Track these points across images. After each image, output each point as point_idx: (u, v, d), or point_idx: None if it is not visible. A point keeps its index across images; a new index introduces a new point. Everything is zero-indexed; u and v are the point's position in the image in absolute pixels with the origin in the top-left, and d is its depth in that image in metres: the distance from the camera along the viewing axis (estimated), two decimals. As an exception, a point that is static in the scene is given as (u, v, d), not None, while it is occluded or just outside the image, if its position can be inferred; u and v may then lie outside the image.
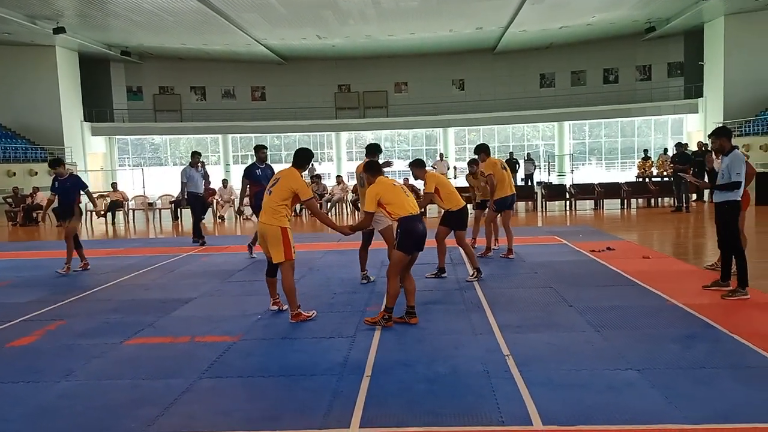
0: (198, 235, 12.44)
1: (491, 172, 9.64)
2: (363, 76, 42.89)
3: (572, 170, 36.53)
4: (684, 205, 16.24)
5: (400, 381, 4.57)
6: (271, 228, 6.09)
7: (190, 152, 13.18)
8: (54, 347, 5.73)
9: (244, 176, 10.26)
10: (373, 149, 8.11)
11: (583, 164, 44.82)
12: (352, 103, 43.34)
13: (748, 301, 6.55)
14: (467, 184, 11.00)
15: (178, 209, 18.54)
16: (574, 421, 3.78)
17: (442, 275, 8.38)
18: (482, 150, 9.94)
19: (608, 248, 10.23)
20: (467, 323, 6.08)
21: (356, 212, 17.87)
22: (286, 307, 6.44)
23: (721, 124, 23.13)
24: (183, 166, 12.72)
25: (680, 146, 17.88)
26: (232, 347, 5.55)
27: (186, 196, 12.32)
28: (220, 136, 43.84)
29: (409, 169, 8.55)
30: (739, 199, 6.82)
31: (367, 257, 8.12)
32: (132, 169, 42.47)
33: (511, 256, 9.74)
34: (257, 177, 9.88)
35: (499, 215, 9.99)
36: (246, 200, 11.03)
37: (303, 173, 6.37)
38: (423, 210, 7.95)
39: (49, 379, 4.86)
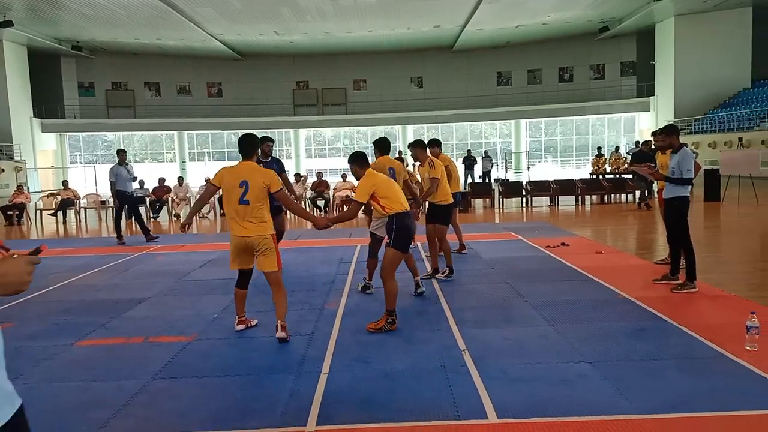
0: (119, 235, 12.60)
1: (447, 165, 8.63)
2: (321, 73, 42.73)
3: (529, 167, 37.14)
4: (641, 201, 16.58)
5: (357, 378, 4.57)
6: (264, 239, 5.53)
7: (116, 150, 13.13)
8: (1, 350, 5.55)
9: None
10: (386, 145, 7.31)
11: (539, 161, 45.62)
12: (311, 100, 43.14)
13: (696, 294, 6.75)
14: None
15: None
16: (528, 414, 3.85)
17: (437, 275, 7.95)
18: (436, 144, 8.94)
19: (563, 244, 10.41)
20: (424, 319, 6.12)
21: (315, 210, 17.75)
22: (255, 322, 6.01)
23: (671, 122, 23.81)
24: (111, 165, 12.72)
25: (641, 144, 18.44)
26: (187, 347, 5.46)
27: (116, 195, 12.47)
28: (175, 132, 43.15)
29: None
30: (689, 194, 7.03)
31: (377, 265, 7.11)
32: (84, 167, 41.51)
33: (464, 251, 9.82)
34: None
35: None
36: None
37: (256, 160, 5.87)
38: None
39: (-4, 383, 4.71)
